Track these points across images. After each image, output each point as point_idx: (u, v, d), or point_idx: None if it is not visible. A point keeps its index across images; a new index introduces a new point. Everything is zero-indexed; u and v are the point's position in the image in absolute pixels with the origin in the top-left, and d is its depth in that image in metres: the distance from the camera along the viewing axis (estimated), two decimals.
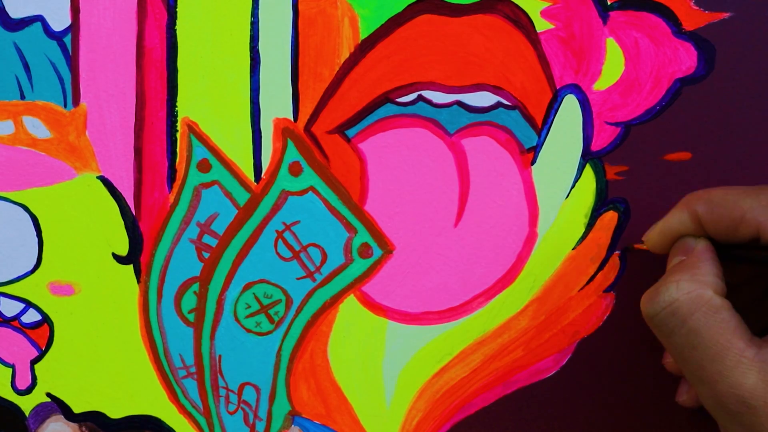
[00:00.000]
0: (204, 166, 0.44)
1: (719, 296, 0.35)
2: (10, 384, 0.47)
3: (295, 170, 0.44)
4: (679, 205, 0.38)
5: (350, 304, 0.45)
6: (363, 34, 0.42)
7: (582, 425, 0.45)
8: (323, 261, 0.44)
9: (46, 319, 0.46)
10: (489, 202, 0.43)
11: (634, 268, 0.43)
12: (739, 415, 0.33)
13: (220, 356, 0.46)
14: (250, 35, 0.43)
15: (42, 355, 0.47)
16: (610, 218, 0.43)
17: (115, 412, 0.47)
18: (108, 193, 0.44)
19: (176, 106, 0.43)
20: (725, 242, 0.37)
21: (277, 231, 0.44)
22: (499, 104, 0.42)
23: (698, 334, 0.35)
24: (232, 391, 0.46)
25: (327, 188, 0.44)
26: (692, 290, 0.35)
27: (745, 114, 0.42)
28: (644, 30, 0.41)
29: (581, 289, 0.44)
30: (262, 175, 0.44)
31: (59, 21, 0.43)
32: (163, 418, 0.47)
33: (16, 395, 0.47)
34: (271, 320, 0.45)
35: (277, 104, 0.43)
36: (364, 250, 0.44)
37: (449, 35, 0.42)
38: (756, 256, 0.36)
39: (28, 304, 0.46)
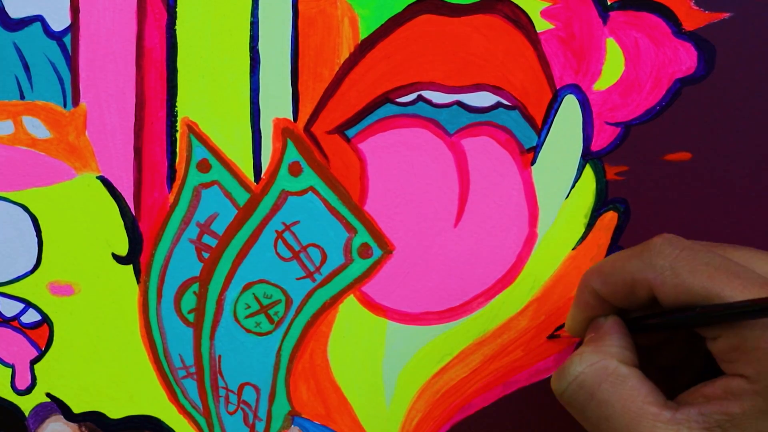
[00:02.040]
0: (204, 166, 0.44)
1: (625, 365, 0.35)
2: (9, 384, 0.47)
3: (295, 170, 0.44)
4: (580, 286, 0.38)
5: (350, 304, 0.45)
6: (363, 34, 0.42)
7: (581, 425, 0.45)
8: (323, 261, 0.44)
9: (45, 319, 0.46)
10: (489, 202, 0.43)
11: None
12: None
13: (219, 356, 0.46)
14: (250, 35, 0.43)
15: (42, 355, 0.47)
16: (610, 218, 0.43)
17: (114, 413, 0.47)
18: (108, 193, 0.44)
19: (176, 106, 0.43)
20: (631, 310, 0.37)
21: (276, 231, 0.44)
22: (499, 104, 0.42)
23: (608, 405, 0.34)
24: (231, 391, 0.46)
25: (327, 188, 0.44)
26: (596, 361, 0.35)
27: (745, 114, 0.42)
28: (644, 30, 0.41)
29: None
30: (262, 175, 0.44)
31: (59, 21, 0.43)
32: (162, 419, 0.47)
33: (15, 395, 0.47)
34: (271, 320, 0.45)
35: (276, 104, 0.43)
36: (364, 251, 0.44)
37: (449, 35, 0.42)
38: (666, 322, 0.35)
39: (28, 304, 0.46)
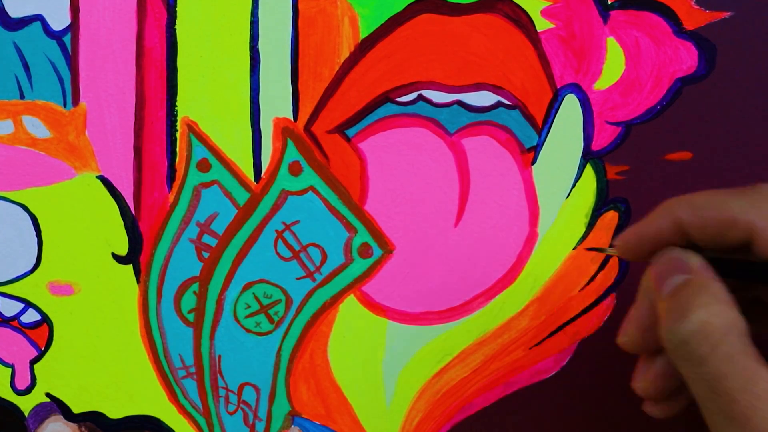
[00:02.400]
0: (204, 166, 0.44)
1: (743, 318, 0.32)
2: (9, 384, 0.47)
3: (295, 170, 0.44)
4: (659, 211, 0.34)
5: (350, 304, 0.45)
6: (363, 34, 0.42)
7: (582, 425, 0.45)
8: (323, 261, 0.44)
9: (45, 319, 0.46)
10: (489, 202, 0.43)
11: (635, 268, 0.43)
12: None
13: (219, 356, 0.46)
14: (250, 35, 0.43)
15: (41, 355, 0.47)
16: (610, 218, 0.43)
17: (114, 413, 0.47)
18: (108, 193, 0.44)
19: (176, 106, 0.43)
20: (710, 249, 0.34)
21: (276, 231, 0.44)
22: (499, 104, 0.42)
23: (731, 361, 0.31)
24: (231, 391, 0.46)
25: (327, 188, 0.44)
26: (722, 311, 0.31)
27: (745, 114, 0.42)
28: (645, 29, 0.41)
29: (581, 289, 0.44)
30: (262, 175, 0.44)
31: (59, 20, 0.43)
32: (162, 419, 0.47)
33: (15, 395, 0.47)
34: (271, 320, 0.45)
35: (276, 104, 0.43)
36: (364, 250, 0.44)
37: (449, 35, 0.42)
38: (751, 268, 0.33)
39: (28, 304, 0.46)
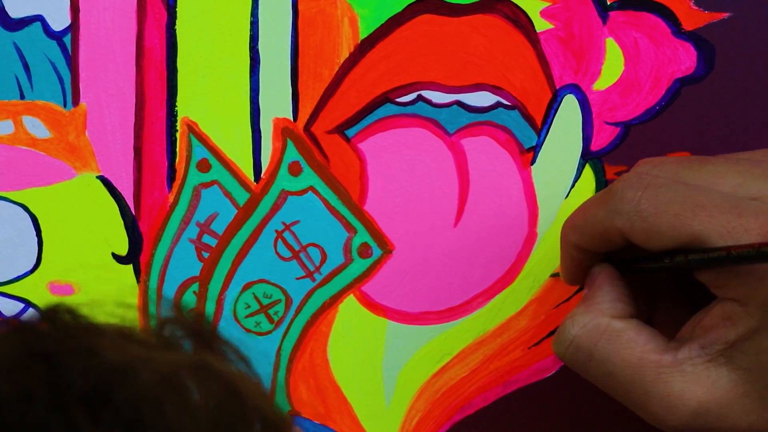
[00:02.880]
0: (204, 166, 0.44)
1: (618, 319, 0.35)
2: None
3: (295, 170, 0.44)
4: (561, 242, 0.38)
5: (350, 304, 0.45)
6: (363, 34, 0.42)
7: (582, 425, 0.45)
8: (323, 261, 0.44)
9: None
10: (489, 202, 0.43)
11: None
12: (687, 425, 0.33)
13: None
14: (250, 35, 0.43)
15: None
16: None
17: None
18: (108, 193, 0.44)
19: (176, 106, 0.43)
20: (620, 258, 0.36)
21: (276, 231, 0.44)
22: (498, 104, 0.42)
23: (608, 362, 0.34)
24: None
25: (327, 188, 0.44)
26: (588, 321, 0.35)
27: (745, 114, 0.42)
28: (644, 30, 0.41)
29: (581, 289, 0.44)
30: (262, 175, 0.44)
31: (59, 21, 0.43)
32: None
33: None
34: (271, 320, 0.45)
35: (276, 104, 0.43)
36: (364, 250, 0.44)
37: (449, 35, 0.42)
38: (657, 266, 0.35)
39: (28, 304, 0.46)
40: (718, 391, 0.32)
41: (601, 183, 0.43)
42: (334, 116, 0.43)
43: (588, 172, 0.43)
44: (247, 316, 0.45)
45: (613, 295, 0.36)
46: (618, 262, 0.37)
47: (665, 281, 0.39)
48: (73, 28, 0.43)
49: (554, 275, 0.43)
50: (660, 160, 0.36)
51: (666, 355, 0.33)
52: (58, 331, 0.22)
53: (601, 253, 0.37)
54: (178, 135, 0.44)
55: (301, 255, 0.44)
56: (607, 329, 0.34)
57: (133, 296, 0.45)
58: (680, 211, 0.33)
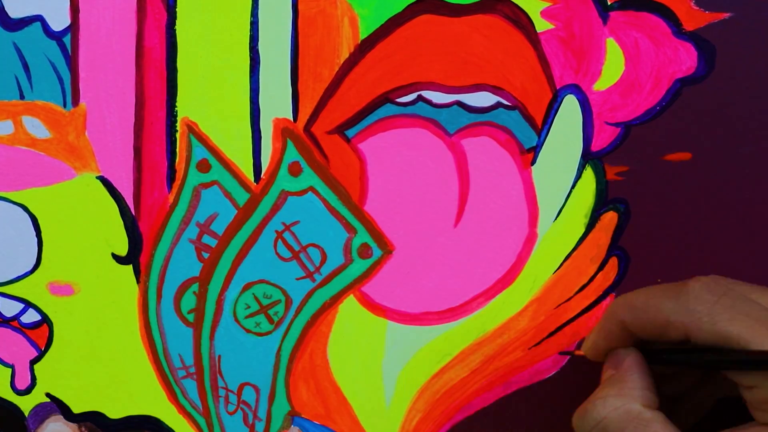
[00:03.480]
0: (203, 166, 0.44)
1: (649, 409, 0.35)
2: (9, 384, 0.47)
3: (295, 170, 0.44)
4: (607, 314, 0.38)
5: (350, 304, 0.45)
6: (363, 34, 0.42)
7: None
8: (323, 261, 0.44)
9: (45, 320, 0.46)
10: (489, 202, 0.43)
11: (634, 269, 0.43)
12: None
13: (219, 356, 0.46)
14: (250, 35, 0.43)
15: (41, 355, 0.47)
16: (610, 219, 0.43)
17: (114, 413, 0.47)
18: (107, 193, 0.44)
19: (176, 106, 0.43)
20: (657, 346, 0.37)
21: (276, 231, 0.44)
22: (498, 104, 0.42)
23: None
24: (231, 391, 0.46)
25: (327, 188, 0.44)
26: (620, 406, 0.35)
27: (745, 114, 0.42)
28: (644, 30, 0.41)
29: (581, 289, 0.44)
30: (262, 176, 0.44)
31: (59, 21, 0.43)
32: (162, 419, 0.47)
33: (15, 395, 0.47)
34: (271, 320, 0.45)
35: (276, 104, 0.43)
36: (364, 251, 0.44)
37: (449, 35, 0.42)
38: (688, 358, 0.35)
39: (28, 304, 0.46)
40: None
41: (602, 183, 0.43)
42: (334, 116, 0.43)
43: (588, 172, 0.43)
44: (247, 317, 0.45)
45: (644, 384, 0.36)
46: (643, 349, 0.38)
47: (689, 378, 0.39)
48: (73, 28, 0.43)
49: (565, 353, 0.43)
50: (731, 281, 0.36)
51: None
52: None
53: (635, 340, 0.37)
54: (178, 135, 0.44)
55: (301, 255, 0.44)
56: (638, 417, 0.35)
57: (132, 296, 0.46)
58: (755, 326, 0.33)
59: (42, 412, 0.47)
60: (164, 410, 0.47)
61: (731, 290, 0.34)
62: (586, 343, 0.40)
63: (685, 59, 0.41)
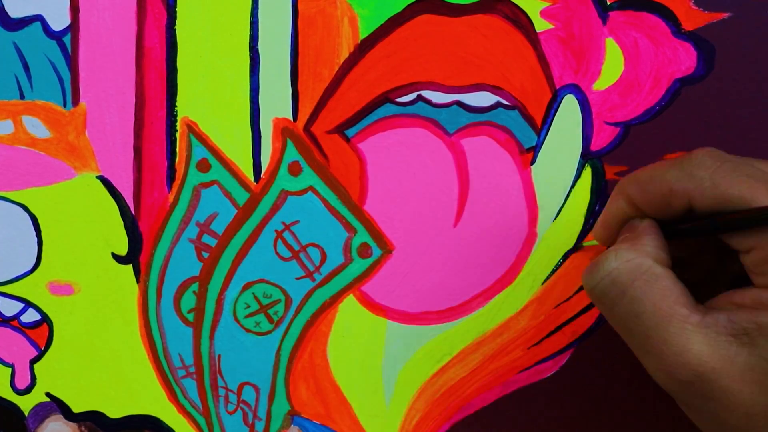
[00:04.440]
0: (203, 166, 0.44)
1: (660, 265, 0.35)
2: (9, 384, 0.47)
3: (295, 170, 0.44)
4: (614, 193, 0.38)
5: (350, 304, 0.45)
6: (362, 34, 0.42)
7: (582, 425, 0.45)
8: (323, 261, 0.44)
9: (45, 319, 0.46)
10: (488, 202, 0.43)
11: None
12: (689, 385, 0.33)
13: (219, 356, 0.46)
14: (250, 35, 0.43)
15: (41, 354, 0.47)
16: None
17: (114, 412, 0.47)
18: (107, 193, 0.44)
19: (176, 106, 0.44)
20: (666, 220, 0.37)
21: (276, 231, 0.44)
22: (498, 104, 0.42)
23: (640, 302, 0.34)
24: (231, 390, 0.46)
25: (326, 188, 0.44)
26: (631, 258, 0.35)
27: (745, 114, 0.42)
28: (644, 30, 0.41)
29: (581, 289, 0.44)
30: (262, 175, 0.44)
31: (59, 21, 0.43)
32: (162, 418, 0.47)
33: (15, 395, 0.47)
34: (271, 320, 0.45)
35: (276, 104, 0.43)
36: (364, 250, 0.44)
37: (449, 35, 0.42)
38: (701, 227, 0.35)
39: (28, 304, 0.46)
40: (732, 367, 0.33)
41: (601, 183, 0.43)
42: (333, 116, 0.43)
43: (588, 172, 0.43)
44: (247, 316, 0.45)
45: (658, 244, 0.36)
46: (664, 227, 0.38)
47: (704, 255, 0.39)
48: (73, 28, 0.43)
49: (576, 248, 0.43)
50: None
51: (695, 314, 0.33)
52: None
53: (645, 217, 0.37)
54: (177, 135, 0.44)
55: (301, 255, 0.44)
56: (648, 270, 0.35)
57: (132, 296, 0.46)
58: (755, 185, 0.33)
59: (42, 411, 0.47)
60: (164, 410, 0.47)
61: (733, 158, 0.35)
62: (596, 227, 0.40)
63: (685, 59, 0.41)
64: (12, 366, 0.47)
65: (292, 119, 0.43)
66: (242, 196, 0.44)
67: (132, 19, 0.43)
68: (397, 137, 0.43)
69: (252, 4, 0.42)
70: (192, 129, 0.44)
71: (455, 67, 0.42)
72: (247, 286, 0.45)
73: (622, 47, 0.41)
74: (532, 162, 0.43)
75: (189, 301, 0.45)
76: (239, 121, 0.43)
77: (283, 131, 0.43)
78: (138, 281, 0.45)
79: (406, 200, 0.44)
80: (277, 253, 0.44)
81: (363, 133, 0.43)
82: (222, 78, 0.43)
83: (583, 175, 0.43)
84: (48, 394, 0.47)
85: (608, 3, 0.41)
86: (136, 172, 0.44)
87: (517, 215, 0.43)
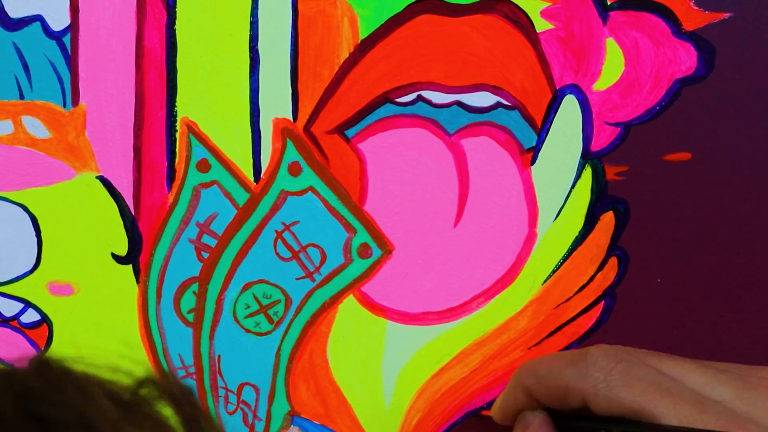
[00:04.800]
0: (203, 166, 0.44)
1: None
2: None
3: (295, 170, 0.44)
4: (513, 380, 0.39)
5: (350, 304, 0.45)
6: (362, 34, 0.42)
7: None
8: (322, 261, 0.44)
9: (45, 319, 0.46)
10: (489, 202, 0.43)
11: (634, 268, 0.43)
12: None
13: (219, 356, 0.46)
14: (250, 35, 0.43)
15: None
16: (609, 219, 0.43)
17: None
18: (107, 193, 0.44)
19: (175, 106, 0.43)
20: (563, 413, 0.37)
21: (276, 231, 0.44)
22: (498, 104, 0.42)
23: None
24: (231, 391, 0.46)
25: (326, 188, 0.44)
26: None
27: (745, 114, 0.42)
28: (644, 30, 0.41)
29: (581, 289, 0.44)
30: (262, 175, 0.44)
31: (58, 21, 0.43)
32: None
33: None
34: (271, 320, 0.45)
35: (276, 104, 0.43)
36: (364, 251, 0.44)
37: (449, 35, 0.42)
38: (590, 425, 0.36)
39: (28, 304, 0.46)
40: None
41: (601, 183, 0.43)
42: (333, 116, 0.43)
43: (588, 172, 0.43)
44: (246, 317, 0.45)
45: None
46: (553, 414, 0.38)
47: None
48: (73, 28, 0.43)
49: (478, 416, 0.44)
50: (633, 349, 0.37)
51: None
52: (50, 390, 0.22)
53: (541, 405, 0.38)
54: (177, 135, 0.44)
55: (301, 255, 0.44)
56: None
57: (132, 296, 0.46)
58: (648, 390, 0.34)
59: None
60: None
61: (628, 357, 0.35)
62: (494, 406, 0.41)
63: (685, 59, 0.41)
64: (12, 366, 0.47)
65: (292, 119, 0.43)
66: (242, 197, 0.44)
67: (132, 19, 0.43)
68: (397, 137, 0.43)
69: (252, 4, 0.42)
70: (192, 129, 0.44)
71: (455, 67, 0.42)
72: (247, 287, 0.45)
73: (623, 47, 0.41)
74: (532, 162, 0.43)
75: (189, 301, 0.45)
76: (239, 121, 0.43)
77: (283, 131, 0.43)
78: (138, 281, 0.45)
79: (406, 200, 0.44)
80: (277, 253, 0.44)
81: (363, 133, 0.43)
82: (222, 78, 0.43)
83: (583, 175, 0.43)
84: None
85: (608, 3, 0.41)
86: (136, 172, 0.44)
87: (517, 215, 0.43)
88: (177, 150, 0.44)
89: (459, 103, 0.42)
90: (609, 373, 0.35)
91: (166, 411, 0.25)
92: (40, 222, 0.45)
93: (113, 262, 0.45)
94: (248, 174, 0.44)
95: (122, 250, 0.45)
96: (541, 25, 0.42)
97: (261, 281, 0.45)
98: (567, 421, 0.37)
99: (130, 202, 0.44)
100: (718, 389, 0.35)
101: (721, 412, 0.33)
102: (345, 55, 0.42)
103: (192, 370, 0.46)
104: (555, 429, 0.37)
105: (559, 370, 0.36)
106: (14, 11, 0.43)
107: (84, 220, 0.45)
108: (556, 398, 0.37)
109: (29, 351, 0.47)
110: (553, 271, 0.44)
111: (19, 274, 0.46)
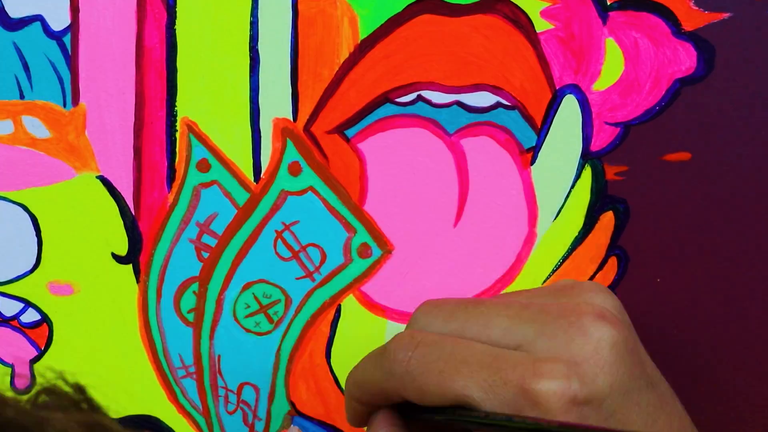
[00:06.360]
0: (203, 166, 0.44)
1: None
2: (9, 384, 0.47)
3: (295, 170, 0.44)
4: (346, 395, 0.38)
5: (350, 304, 0.45)
6: (362, 34, 0.42)
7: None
8: (322, 261, 0.44)
9: (45, 319, 0.46)
10: (488, 202, 0.43)
11: (634, 268, 0.43)
12: None
13: (219, 356, 0.46)
14: (250, 35, 0.43)
15: (41, 354, 0.47)
16: (609, 219, 0.43)
17: (114, 412, 0.47)
18: (107, 193, 0.44)
19: (176, 106, 0.43)
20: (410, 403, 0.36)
21: (276, 231, 0.44)
22: (498, 104, 0.42)
23: None
24: (231, 390, 0.46)
25: (326, 188, 0.44)
26: None
27: (745, 114, 0.42)
28: (644, 30, 0.41)
29: None
30: (262, 175, 0.44)
31: (59, 21, 0.43)
32: (162, 418, 0.47)
33: (15, 395, 0.47)
34: (271, 320, 0.45)
35: (276, 104, 0.43)
36: (364, 250, 0.44)
37: (449, 35, 0.42)
38: (428, 416, 0.35)
39: (27, 304, 0.46)
40: None
41: (601, 183, 0.43)
42: (333, 116, 0.43)
43: (588, 172, 0.43)
44: (246, 316, 0.45)
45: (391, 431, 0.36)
46: (406, 408, 0.37)
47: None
48: (73, 28, 0.43)
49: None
50: (437, 303, 0.36)
51: None
52: None
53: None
54: (177, 135, 0.44)
55: (301, 255, 0.44)
56: None
57: (132, 296, 0.46)
58: (444, 368, 0.32)
59: None
60: (164, 410, 0.47)
61: (424, 338, 0.34)
62: (346, 416, 0.40)
63: (685, 59, 0.41)
64: (12, 366, 0.47)
65: (292, 119, 0.43)
66: (242, 196, 0.44)
67: (132, 19, 0.43)
68: (397, 137, 0.43)
69: (252, 4, 0.42)
70: (192, 129, 0.44)
71: (455, 67, 0.42)
72: (247, 286, 0.45)
73: (622, 47, 0.41)
74: (532, 162, 0.43)
75: (189, 301, 0.45)
76: (239, 121, 0.43)
77: (283, 131, 0.43)
78: (138, 281, 0.45)
79: (406, 200, 0.44)
80: (277, 253, 0.44)
81: (363, 133, 0.43)
82: (222, 78, 0.43)
83: (583, 175, 0.43)
84: None
85: (608, 3, 0.41)
86: (136, 172, 0.44)
87: (517, 215, 0.43)
88: (177, 150, 0.44)
89: (459, 103, 0.42)
90: (408, 364, 0.33)
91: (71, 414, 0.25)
92: (40, 222, 0.45)
93: (113, 261, 0.45)
94: (248, 174, 0.44)
95: (122, 249, 0.45)
96: (541, 25, 0.42)
97: (261, 281, 0.45)
98: (414, 412, 0.36)
99: (130, 201, 0.44)
100: (522, 329, 0.33)
101: (518, 361, 0.32)
102: (345, 55, 0.42)
103: (192, 369, 0.46)
104: (400, 424, 0.36)
105: (371, 374, 0.35)
106: (14, 11, 0.43)
107: (84, 219, 0.45)
108: (383, 400, 0.36)
109: (29, 351, 0.47)
110: (553, 271, 0.44)
111: (20, 273, 0.46)
